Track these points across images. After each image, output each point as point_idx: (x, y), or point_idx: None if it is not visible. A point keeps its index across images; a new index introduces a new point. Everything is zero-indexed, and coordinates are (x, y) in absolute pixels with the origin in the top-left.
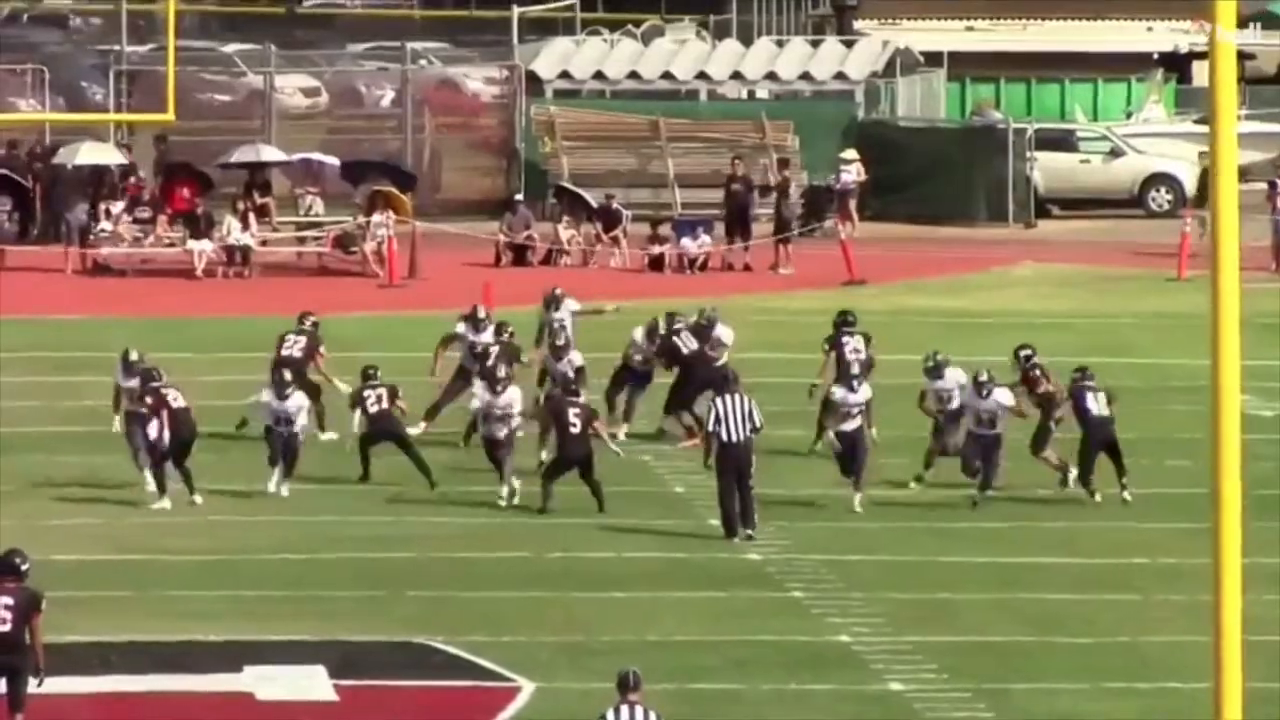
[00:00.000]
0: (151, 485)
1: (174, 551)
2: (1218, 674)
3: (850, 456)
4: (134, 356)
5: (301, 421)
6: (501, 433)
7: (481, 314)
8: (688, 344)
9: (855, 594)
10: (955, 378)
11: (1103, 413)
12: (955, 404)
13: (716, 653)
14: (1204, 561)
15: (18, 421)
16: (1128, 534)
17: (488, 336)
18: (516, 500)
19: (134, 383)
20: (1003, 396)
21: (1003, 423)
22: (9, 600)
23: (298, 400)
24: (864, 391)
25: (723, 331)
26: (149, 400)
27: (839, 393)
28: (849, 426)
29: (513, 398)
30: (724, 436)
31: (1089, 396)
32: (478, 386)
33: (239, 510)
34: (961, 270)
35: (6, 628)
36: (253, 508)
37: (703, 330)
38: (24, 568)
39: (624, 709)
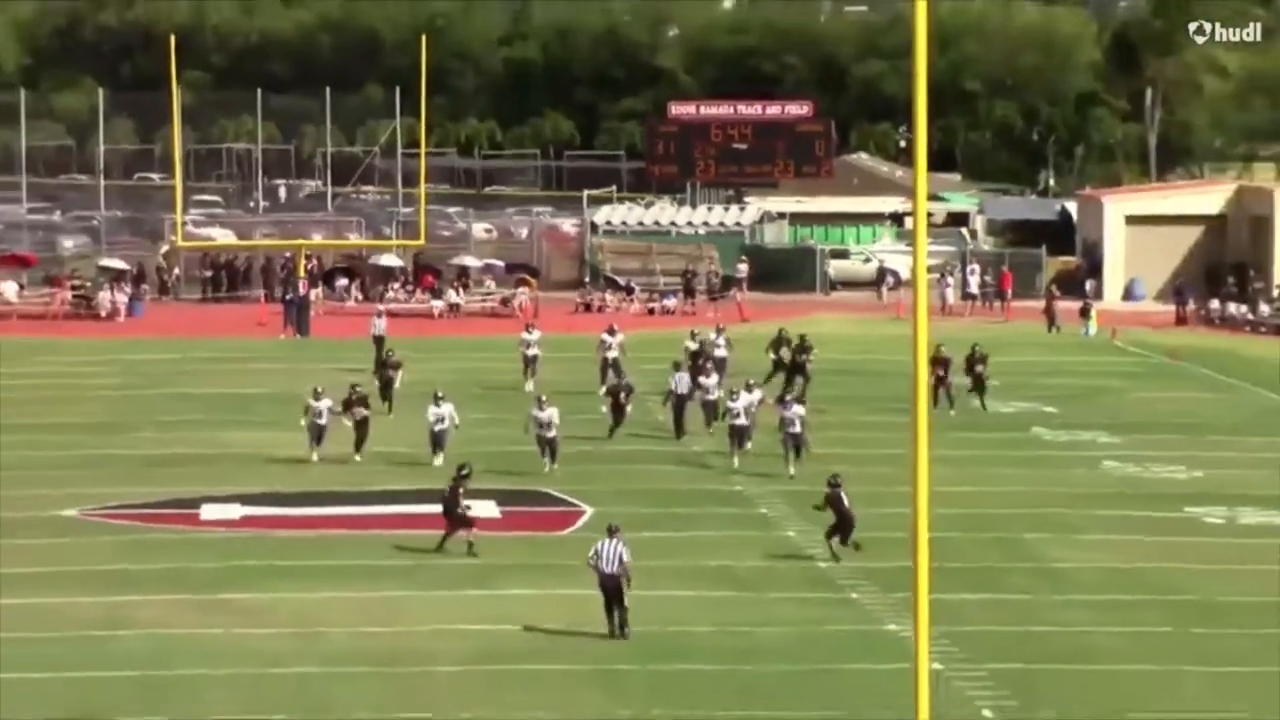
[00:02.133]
0: (313, 452)
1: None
2: None
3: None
4: (319, 389)
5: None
6: (548, 435)
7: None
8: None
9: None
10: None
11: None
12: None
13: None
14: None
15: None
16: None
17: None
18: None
19: (319, 404)
20: (799, 409)
21: (801, 424)
22: (453, 486)
23: (551, 413)
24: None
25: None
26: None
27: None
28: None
29: (552, 415)
30: (676, 391)
31: (978, 366)
32: (533, 404)
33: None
34: (797, 315)
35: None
36: (460, 437)
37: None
38: (464, 472)
39: (607, 540)
